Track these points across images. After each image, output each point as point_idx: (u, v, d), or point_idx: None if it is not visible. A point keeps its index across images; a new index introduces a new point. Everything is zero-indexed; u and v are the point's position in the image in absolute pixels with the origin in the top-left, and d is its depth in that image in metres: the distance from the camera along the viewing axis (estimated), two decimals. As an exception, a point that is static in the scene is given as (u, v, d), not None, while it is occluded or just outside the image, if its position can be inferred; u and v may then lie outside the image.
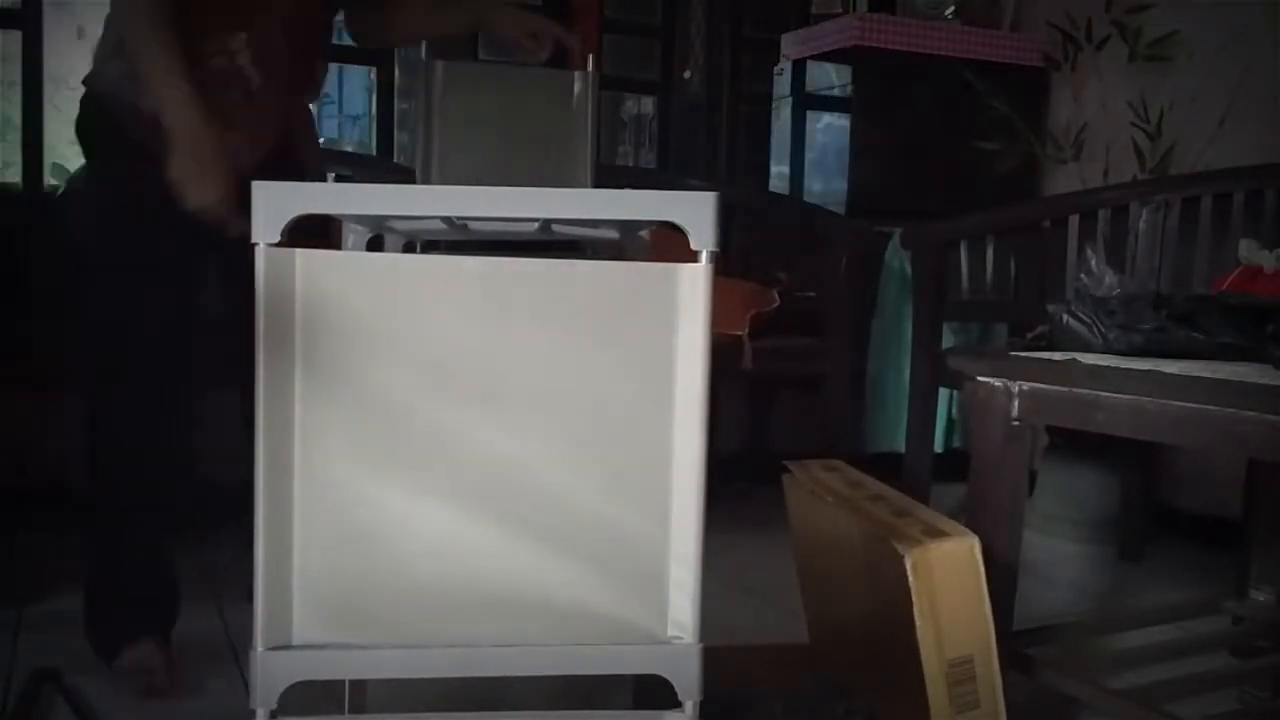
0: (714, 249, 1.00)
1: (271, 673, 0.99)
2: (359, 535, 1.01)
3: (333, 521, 1.01)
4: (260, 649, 0.99)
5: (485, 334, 1.02)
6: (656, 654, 1.03)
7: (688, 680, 1.01)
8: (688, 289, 1.01)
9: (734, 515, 2.93)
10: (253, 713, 1.00)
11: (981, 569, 1.29)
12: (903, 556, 1.25)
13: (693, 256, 1.01)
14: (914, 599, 1.25)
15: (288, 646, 1.01)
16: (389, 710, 1.23)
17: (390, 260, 1.16)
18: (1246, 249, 1.87)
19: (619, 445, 1.03)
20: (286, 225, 0.97)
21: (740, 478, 3.11)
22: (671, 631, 1.03)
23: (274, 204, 0.97)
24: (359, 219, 1.22)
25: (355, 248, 1.25)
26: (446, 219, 1.11)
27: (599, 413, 1.03)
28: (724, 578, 2.38)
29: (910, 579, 1.25)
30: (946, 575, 1.27)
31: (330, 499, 1.01)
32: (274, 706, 0.99)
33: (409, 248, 1.36)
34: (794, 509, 1.62)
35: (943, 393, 2.84)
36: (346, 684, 1.23)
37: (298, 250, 0.99)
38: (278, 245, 0.98)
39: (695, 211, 1.00)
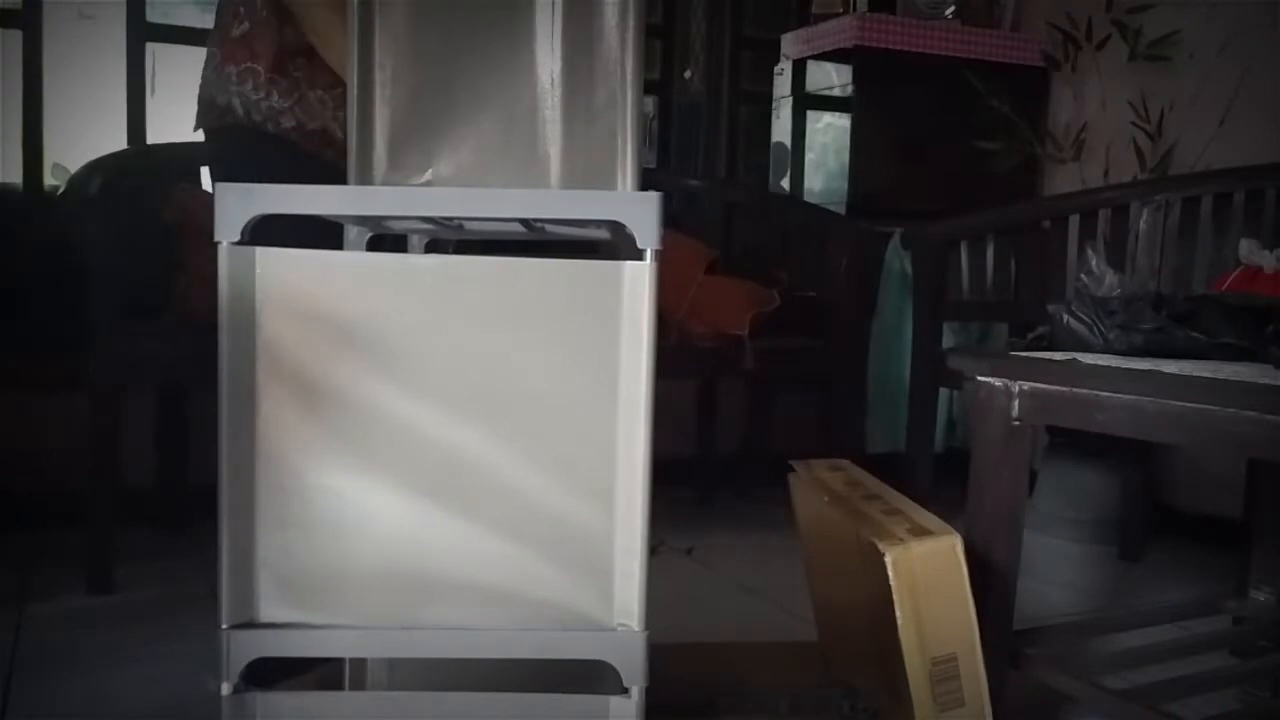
0: (658, 247, 1.03)
1: (235, 649, 1.04)
2: (318, 521, 1.06)
3: (293, 508, 1.05)
4: (225, 626, 1.04)
5: (437, 329, 1.06)
6: (603, 640, 1.06)
7: (633, 667, 1.05)
8: (631, 286, 1.04)
9: (735, 515, 2.94)
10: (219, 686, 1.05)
11: (964, 567, 1.29)
12: (884, 554, 1.26)
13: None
14: (895, 597, 1.26)
15: (251, 625, 1.05)
16: (383, 688, 1.27)
17: (345, 258, 1.18)
18: (1246, 249, 1.87)
19: (565, 438, 1.06)
20: (248, 224, 1.02)
21: (741, 478, 3.12)
22: (618, 619, 1.06)
23: (235, 204, 1.03)
24: (351, 219, 1.22)
25: (355, 246, 1.26)
26: (430, 218, 1.12)
27: (545, 406, 1.06)
28: (726, 578, 2.39)
29: (891, 577, 1.26)
30: (928, 574, 1.28)
31: (290, 486, 1.05)
32: (237, 680, 1.04)
33: (434, 247, 1.37)
34: (799, 508, 1.63)
35: (943, 393, 2.83)
36: (347, 663, 1.27)
37: (257, 249, 1.03)
38: (239, 244, 1.02)
39: (639, 211, 1.03)
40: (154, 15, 2.79)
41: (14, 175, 2.70)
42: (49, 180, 2.71)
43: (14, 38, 2.65)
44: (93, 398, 2.11)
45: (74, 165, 2.44)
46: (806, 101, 3.40)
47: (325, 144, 1.60)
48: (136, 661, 1.77)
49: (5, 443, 2.44)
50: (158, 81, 2.84)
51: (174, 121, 2.71)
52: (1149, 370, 1.29)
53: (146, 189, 2.35)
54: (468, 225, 1.21)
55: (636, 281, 1.04)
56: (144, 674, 1.73)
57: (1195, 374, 1.24)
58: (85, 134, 2.83)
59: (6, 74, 2.67)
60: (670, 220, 2.86)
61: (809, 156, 3.43)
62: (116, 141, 2.75)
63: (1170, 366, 1.30)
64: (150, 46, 2.79)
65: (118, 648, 1.83)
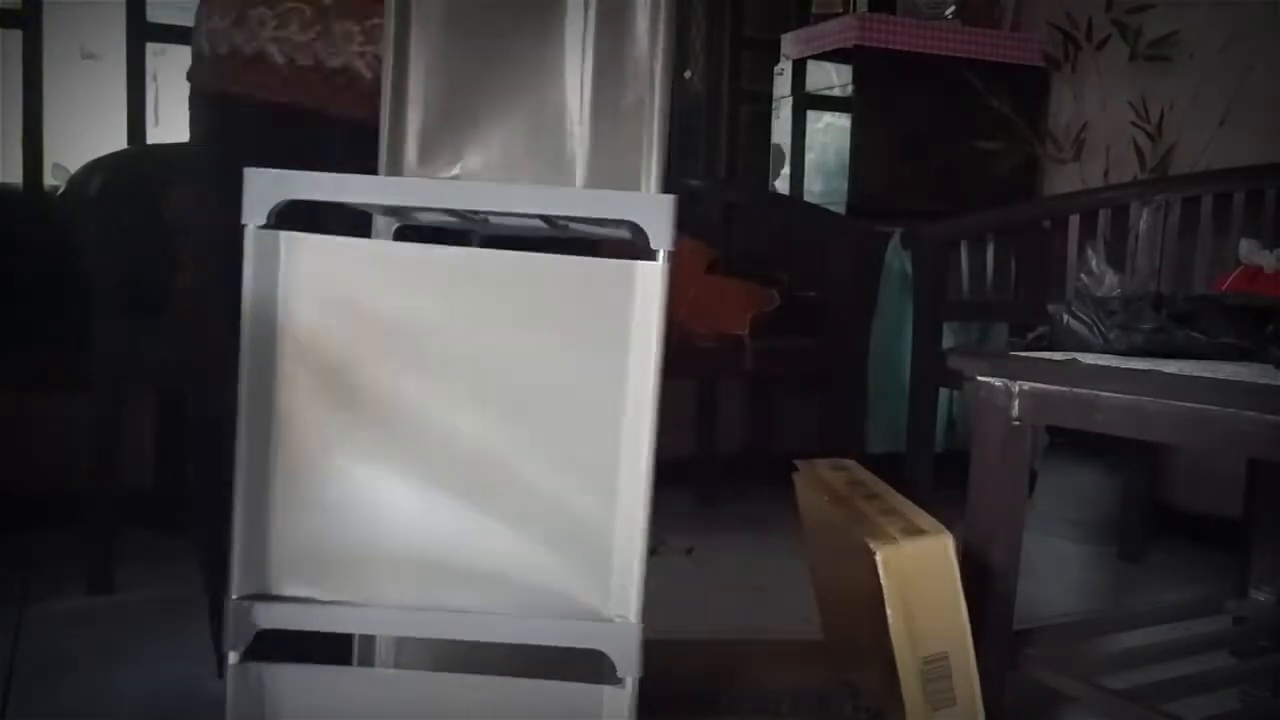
0: (670, 249, 1.04)
1: (243, 619, 1.06)
2: (332, 501, 1.07)
3: (307, 487, 1.07)
4: (234, 596, 1.07)
5: (453, 319, 1.07)
6: (599, 630, 1.08)
7: (628, 658, 1.06)
8: (643, 285, 1.06)
9: (735, 515, 2.94)
10: (225, 655, 1.07)
11: (955, 567, 1.29)
12: (875, 553, 1.26)
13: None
14: (886, 595, 1.26)
15: (261, 597, 1.07)
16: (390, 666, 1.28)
17: (369, 246, 1.19)
18: (1246, 249, 1.87)
19: (573, 432, 1.08)
20: (274, 209, 1.03)
21: (741, 478, 3.11)
22: (615, 611, 1.08)
23: (262, 188, 1.04)
24: (375, 209, 1.24)
25: (383, 237, 1.27)
26: (455, 212, 1.14)
27: (555, 399, 1.08)
28: (726, 578, 2.39)
29: (882, 576, 1.26)
30: (920, 573, 1.28)
31: (306, 466, 1.07)
32: (242, 650, 1.06)
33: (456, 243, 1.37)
34: (802, 507, 1.63)
35: (943, 393, 2.83)
36: (356, 639, 1.28)
37: (282, 233, 1.05)
38: (265, 227, 1.04)
39: (653, 212, 1.05)
40: (154, 15, 2.79)
41: (14, 175, 2.70)
42: (49, 180, 2.71)
43: (14, 38, 2.65)
44: (93, 398, 2.11)
45: (74, 165, 2.44)
46: (806, 101, 3.40)
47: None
48: (136, 661, 1.78)
49: (5, 443, 2.44)
50: (160, 81, 2.84)
51: (174, 122, 2.71)
52: (1149, 370, 1.29)
53: (146, 189, 2.35)
54: (493, 220, 1.22)
55: (649, 281, 1.06)
56: (144, 674, 1.73)
57: (1195, 374, 1.24)
58: (85, 134, 2.83)
59: (6, 74, 2.67)
60: (670, 220, 2.88)
61: (809, 156, 3.43)
62: (116, 141, 2.75)
63: (1170, 366, 1.30)
64: (150, 46, 2.80)
65: (118, 648, 1.83)
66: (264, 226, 1.04)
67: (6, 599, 2.05)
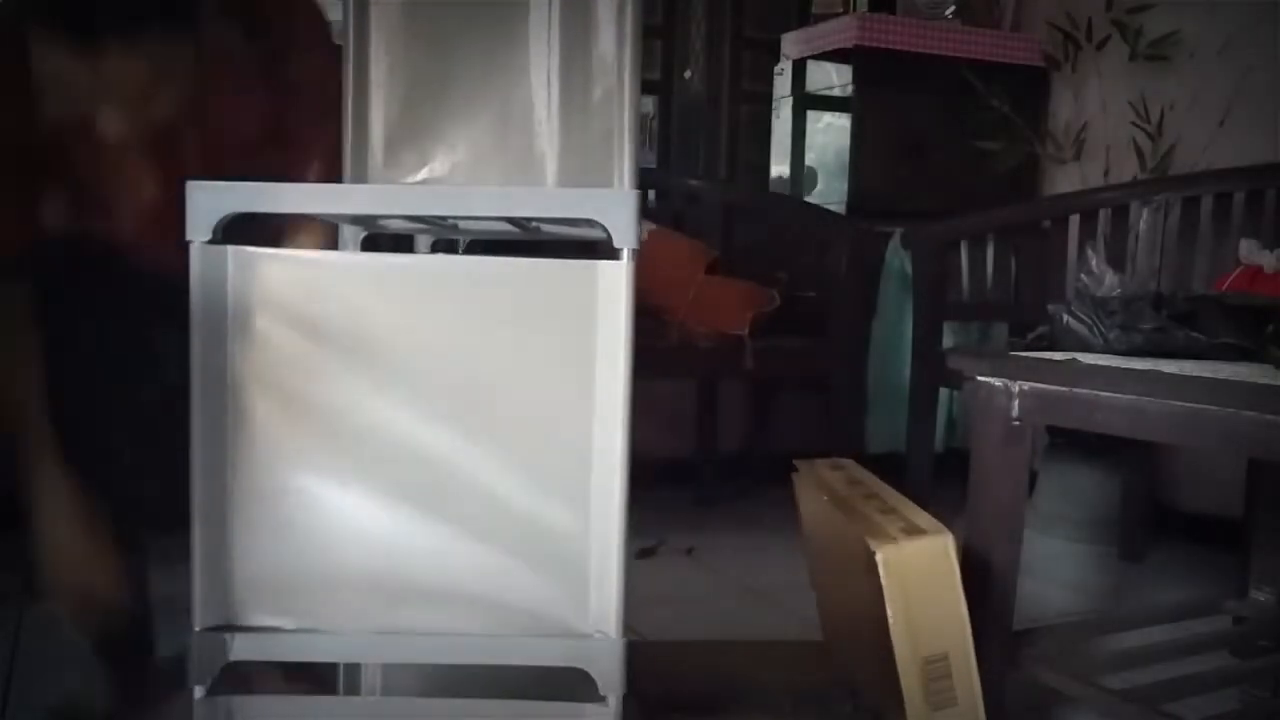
0: (635, 247, 1.01)
1: (208, 652, 1.03)
2: (293, 524, 1.04)
3: (268, 510, 1.04)
4: (198, 629, 1.03)
5: (412, 329, 1.05)
6: (578, 647, 1.05)
7: (610, 675, 1.03)
8: (607, 286, 1.02)
9: (735, 515, 2.94)
10: (191, 690, 1.04)
11: (956, 567, 1.29)
12: (875, 553, 1.26)
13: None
14: (887, 595, 1.26)
15: (226, 628, 1.04)
16: (377, 690, 1.26)
17: (318, 257, 1.15)
18: (1247, 249, 1.88)
19: (539, 441, 1.05)
20: (219, 223, 1.01)
21: (741, 477, 3.12)
22: (595, 627, 1.05)
23: (207, 202, 1.01)
24: (331, 218, 1.23)
25: (350, 246, 1.25)
26: (420, 217, 1.12)
27: (520, 408, 1.05)
28: (726, 578, 2.39)
29: (882, 576, 1.26)
30: (920, 573, 1.27)
31: (265, 488, 1.04)
32: (208, 685, 1.03)
33: (443, 246, 1.36)
34: (802, 507, 1.63)
35: (943, 393, 2.83)
36: (341, 667, 1.25)
37: (230, 247, 1.02)
38: (211, 243, 1.01)
39: (615, 209, 1.01)
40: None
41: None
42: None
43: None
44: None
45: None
46: (806, 101, 3.40)
47: None
48: (137, 661, 1.77)
49: (5, 443, 2.44)
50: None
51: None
52: (1149, 370, 1.29)
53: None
54: (463, 225, 1.21)
55: (613, 281, 1.02)
56: (144, 673, 1.73)
57: (1195, 374, 1.24)
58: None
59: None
60: (670, 220, 2.87)
61: (809, 156, 3.43)
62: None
63: (1170, 366, 1.30)
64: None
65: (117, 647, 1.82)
66: (210, 242, 1.01)
67: (6, 599, 2.05)
